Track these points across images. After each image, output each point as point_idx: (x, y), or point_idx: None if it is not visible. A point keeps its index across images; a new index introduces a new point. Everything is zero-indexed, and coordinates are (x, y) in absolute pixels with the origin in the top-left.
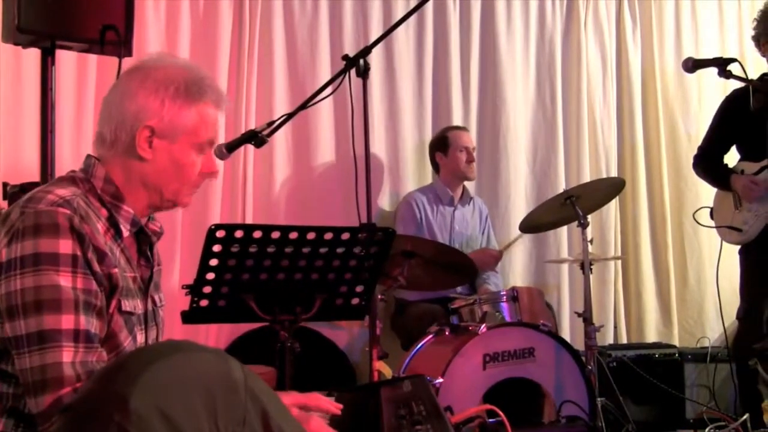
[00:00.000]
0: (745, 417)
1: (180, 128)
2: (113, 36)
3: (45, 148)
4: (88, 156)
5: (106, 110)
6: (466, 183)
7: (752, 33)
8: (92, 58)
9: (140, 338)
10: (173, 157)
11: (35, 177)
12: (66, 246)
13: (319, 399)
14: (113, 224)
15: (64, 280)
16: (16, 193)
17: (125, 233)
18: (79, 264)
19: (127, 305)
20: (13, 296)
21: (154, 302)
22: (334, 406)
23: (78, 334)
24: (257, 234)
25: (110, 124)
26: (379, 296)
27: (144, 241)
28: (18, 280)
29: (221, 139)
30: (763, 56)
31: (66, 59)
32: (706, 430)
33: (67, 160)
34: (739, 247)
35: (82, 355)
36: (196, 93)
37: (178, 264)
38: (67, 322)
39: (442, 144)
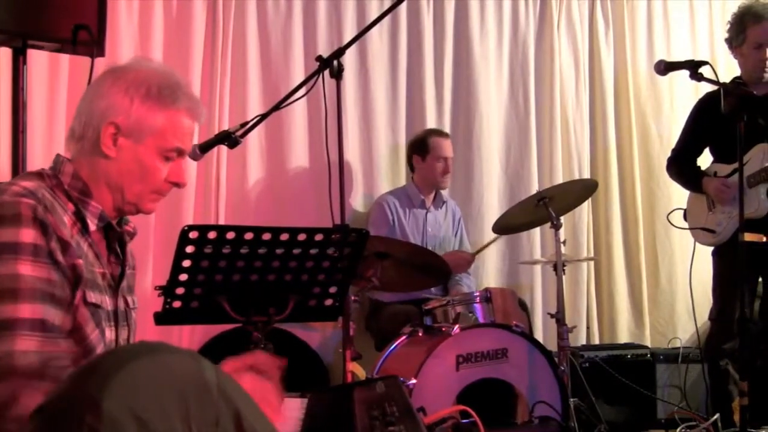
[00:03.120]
0: (715, 417)
1: (146, 129)
2: (86, 36)
3: (16, 148)
4: (58, 155)
5: (79, 107)
6: None
7: (726, 36)
8: (64, 58)
9: (109, 335)
10: (137, 157)
11: (6, 177)
12: (27, 235)
13: (258, 362)
14: (80, 218)
15: (24, 269)
16: None
17: (92, 227)
18: (41, 253)
19: (93, 297)
20: None
21: (126, 303)
22: (274, 365)
23: (35, 324)
24: (230, 235)
25: (80, 120)
26: (353, 297)
27: (113, 237)
28: None
29: (194, 140)
30: (736, 59)
31: (38, 59)
32: (678, 429)
33: (39, 160)
34: (712, 248)
35: (38, 344)
36: (169, 98)
37: (150, 265)
38: (23, 310)
39: (421, 148)
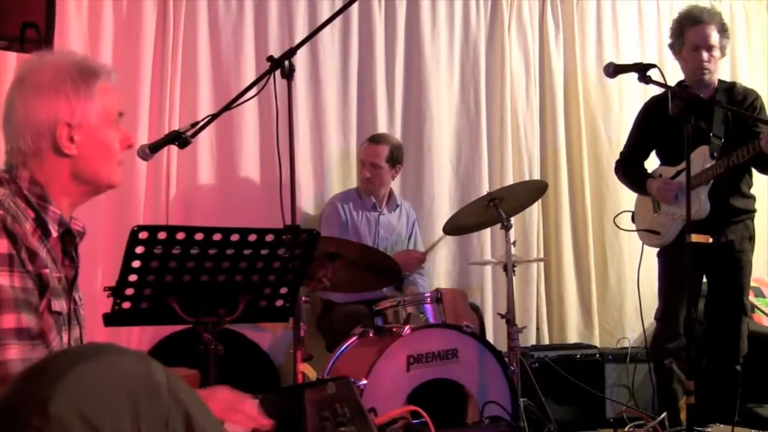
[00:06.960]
0: (662, 416)
1: (92, 114)
2: (34, 34)
3: None
4: (9, 158)
5: (11, 128)
6: (393, 188)
7: (669, 41)
8: (11, 57)
9: (65, 338)
10: (96, 142)
11: None
12: (1, 246)
13: (248, 411)
14: (41, 225)
15: (2, 280)
16: None
17: (54, 234)
18: (15, 263)
19: (56, 305)
20: None
21: (74, 301)
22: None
23: (21, 332)
24: (180, 235)
25: (25, 138)
26: (304, 298)
27: (69, 242)
28: None
29: (144, 140)
30: (679, 63)
31: None
32: (626, 428)
33: None
34: (657, 249)
35: (27, 352)
36: (90, 75)
37: (100, 266)
38: (8, 321)
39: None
